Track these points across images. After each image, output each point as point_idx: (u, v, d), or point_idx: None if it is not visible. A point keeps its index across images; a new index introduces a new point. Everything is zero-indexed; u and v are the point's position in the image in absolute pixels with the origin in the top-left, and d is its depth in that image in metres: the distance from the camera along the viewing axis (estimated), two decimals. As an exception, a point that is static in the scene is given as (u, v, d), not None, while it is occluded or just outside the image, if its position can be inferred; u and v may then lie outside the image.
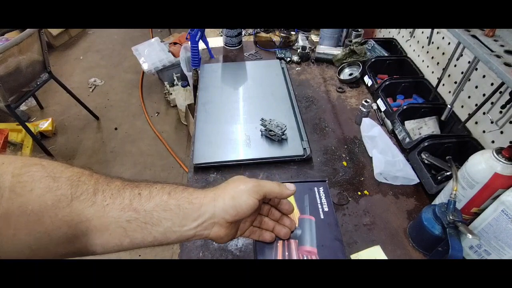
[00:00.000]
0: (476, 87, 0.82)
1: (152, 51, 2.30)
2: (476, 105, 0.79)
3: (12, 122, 1.82)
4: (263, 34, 1.38)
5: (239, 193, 0.40)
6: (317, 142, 0.88)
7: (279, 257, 0.56)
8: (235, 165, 0.80)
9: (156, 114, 2.33)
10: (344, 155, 0.84)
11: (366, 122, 0.87)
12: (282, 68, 1.13)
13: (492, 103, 0.63)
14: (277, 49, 1.27)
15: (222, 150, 0.82)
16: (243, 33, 1.34)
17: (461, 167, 0.61)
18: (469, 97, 0.85)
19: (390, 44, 1.22)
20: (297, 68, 1.19)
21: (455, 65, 0.90)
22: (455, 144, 0.78)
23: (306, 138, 0.85)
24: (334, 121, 0.95)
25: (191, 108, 1.95)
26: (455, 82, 0.92)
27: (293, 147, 0.82)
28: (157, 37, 2.45)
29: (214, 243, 0.64)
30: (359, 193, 0.75)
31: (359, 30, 1.20)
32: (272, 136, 0.84)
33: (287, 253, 0.56)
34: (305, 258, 0.56)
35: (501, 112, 0.61)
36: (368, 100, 0.90)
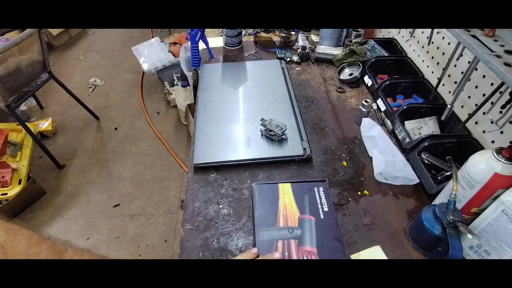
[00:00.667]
0: (476, 87, 0.82)
1: (152, 51, 2.30)
2: (476, 105, 0.79)
3: (12, 122, 1.82)
4: (263, 34, 1.38)
5: None
6: (317, 142, 0.88)
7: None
8: (235, 165, 0.80)
9: (156, 114, 2.33)
10: (344, 155, 0.84)
11: (366, 122, 0.87)
12: (282, 68, 1.13)
13: (492, 103, 0.63)
14: (277, 49, 1.27)
15: (222, 150, 0.82)
16: (243, 33, 1.34)
17: (461, 167, 0.61)
18: (469, 97, 0.85)
19: (390, 44, 1.22)
20: (297, 68, 1.19)
21: (455, 65, 0.90)
22: (455, 144, 0.78)
23: (306, 138, 0.85)
24: (334, 121, 0.95)
25: (191, 108, 1.95)
26: (455, 82, 0.92)
27: (293, 147, 0.82)
28: (157, 37, 2.45)
29: (214, 243, 0.65)
30: (359, 193, 0.75)
31: (359, 30, 1.20)
32: (272, 136, 0.84)
33: (287, 253, 0.56)
34: (305, 258, 0.56)
35: (501, 112, 0.61)
36: (368, 100, 0.90)
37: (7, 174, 1.55)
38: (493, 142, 0.77)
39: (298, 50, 1.21)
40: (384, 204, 0.73)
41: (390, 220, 0.70)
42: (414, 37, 1.11)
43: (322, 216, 0.62)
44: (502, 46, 0.53)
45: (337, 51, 1.18)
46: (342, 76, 1.12)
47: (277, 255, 0.41)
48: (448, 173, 0.73)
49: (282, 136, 0.83)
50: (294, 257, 0.56)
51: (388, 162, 0.76)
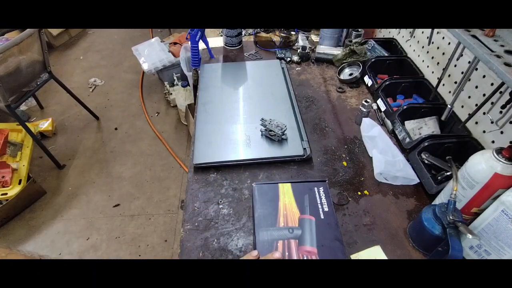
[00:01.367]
0: (476, 87, 0.82)
1: (152, 51, 2.30)
2: (476, 105, 0.79)
3: (12, 122, 1.82)
4: (263, 34, 1.38)
5: None
6: (317, 142, 0.88)
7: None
8: (235, 165, 0.80)
9: (156, 114, 2.33)
10: (344, 155, 0.84)
11: (366, 122, 0.87)
12: (282, 68, 1.13)
13: (492, 103, 0.63)
14: (277, 49, 1.27)
15: (222, 150, 0.82)
16: (243, 33, 1.34)
17: (461, 167, 0.61)
18: (469, 97, 0.85)
19: (390, 44, 1.22)
20: (297, 68, 1.19)
21: (455, 65, 0.90)
22: (455, 144, 0.78)
23: (306, 138, 0.85)
24: (334, 121, 0.95)
25: (191, 108, 1.95)
26: (455, 82, 0.92)
27: (293, 147, 0.82)
28: (157, 37, 2.45)
29: (214, 243, 0.65)
30: (359, 193, 0.75)
31: (359, 30, 1.20)
32: (272, 136, 0.84)
33: (287, 253, 0.56)
34: (305, 258, 0.56)
35: (501, 112, 0.61)
36: (368, 100, 0.90)
37: (7, 174, 1.55)
38: (493, 142, 0.77)
39: (298, 50, 1.21)
40: (384, 204, 0.73)
41: (390, 220, 0.70)
42: (414, 37, 1.11)
43: (322, 216, 0.62)
44: (502, 46, 0.53)
45: (337, 51, 1.18)
46: (342, 76, 1.12)
47: (277, 255, 0.40)
48: (448, 173, 0.73)
49: (282, 136, 0.83)
50: (294, 257, 0.56)
51: (388, 162, 0.76)
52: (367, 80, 1.07)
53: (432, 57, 1.02)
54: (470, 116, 0.67)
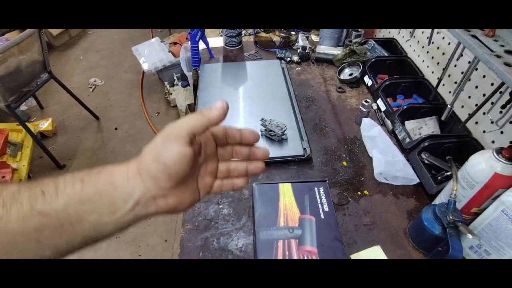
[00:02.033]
0: (476, 87, 0.82)
1: (152, 51, 2.30)
2: (476, 105, 0.79)
3: (12, 122, 1.82)
4: (263, 34, 1.38)
5: (159, 150, 0.30)
6: (317, 142, 0.88)
7: (279, 257, 0.56)
8: (235, 165, 0.80)
9: (156, 114, 2.33)
10: (344, 155, 0.84)
11: (366, 122, 0.87)
12: (282, 68, 1.13)
13: (492, 103, 0.63)
14: (277, 49, 1.27)
15: (222, 150, 0.82)
16: (243, 33, 1.34)
17: (461, 167, 0.61)
18: (469, 97, 0.85)
19: (390, 44, 1.22)
20: (297, 68, 1.19)
21: (455, 65, 0.90)
22: (455, 144, 0.78)
23: (306, 138, 0.85)
24: (334, 121, 0.95)
25: (191, 108, 1.95)
26: (455, 82, 0.92)
27: (293, 147, 0.82)
28: (157, 37, 2.45)
29: (214, 243, 0.65)
30: (359, 193, 0.75)
31: (359, 30, 1.20)
32: (272, 136, 0.83)
33: (287, 253, 0.56)
34: (305, 258, 0.56)
35: (501, 112, 0.61)
36: (368, 100, 0.90)
37: (7, 174, 1.55)
38: (493, 142, 0.77)
39: (298, 50, 1.21)
40: (384, 204, 0.73)
41: (390, 220, 0.70)
42: (414, 37, 1.11)
43: (322, 216, 0.62)
44: (502, 46, 0.53)
45: (337, 51, 1.18)
46: (342, 76, 1.12)
47: (219, 104, 0.34)
48: (448, 173, 0.73)
49: (282, 136, 0.83)
50: (295, 257, 0.56)
51: (388, 162, 0.76)
52: (367, 80, 1.07)
53: (432, 57, 1.02)
54: (470, 116, 0.67)
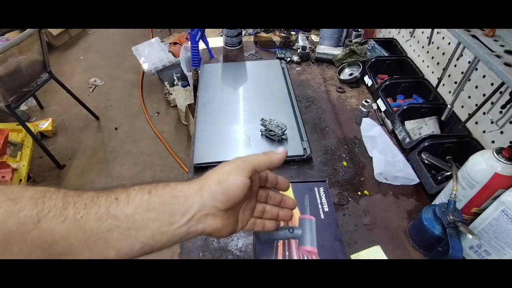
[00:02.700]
0: (476, 87, 0.82)
1: (152, 51, 2.30)
2: (476, 105, 0.79)
3: (12, 122, 1.82)
4: (263, 34, 1.38)
5: (225, 176, 0.35)
6: (317, 142, 0.88)
7: (279, 257, 0.56)
8: (235, 165, 0.80)
9: (156, 114, 2.33)
10: (344, 155, 0.84)
11: (366, 122, 0.87)
12: (282, 68, 1.13)
13: (492, 103, 0.63)
14: (277, 49, 1.27)
15: (222, 150, 0.82)
16: (243, 33, 1.34)
17: (461, 167, 0.61)
18: (469, 97, 0.85)
19: (390, 44, 1.22)
20: (297, 68, 1.19)
21: (455, 65, 0.90)
22: (455, 144, 0.78)
23: (306, 138, 0.85)
24: (334, 121, 0.95)
25: (191, 108, 1.95)
26: (455, 82, 0.92)
27: (293, 147, 0.82)
28: (157, 37, 2.45)
29: (214, 242, 0.65)
30: (359, 193, 0.75)
31: (359, 30, 1.20)
32: (272, 136, 0.84)
33: (287, 253, 0.56)
34: (305, 258, 0.56)
35: (501, 112, 0.61)
36: (368, 100, 0.90)
37: (7, 174, 1.55)
38: (493, 142, 0.77)
39: (298, 50, 1.21)
40: (384, 204, 0.73)
41: (390, 220, 0.70)
42: (414, 37, 1.11)
43: (322, 216, 0.62)
44: (502, 46, 0.53)
45: (337, 51, 1.18)
46: (342, 76, 1.12)
47: (281, 149, 0.39)
48: (448, 173, 0.73)
49: (282, 136, 0.83)
50: (295, 257, 0.56)
51: (388, 162, 0.76)
52: (367, 80, 1.07)
53: (432, 57, 1.02)
54: (470, 116, 0.67)
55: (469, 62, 0.79)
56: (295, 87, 1.07)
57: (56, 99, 2.41)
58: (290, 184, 0.67)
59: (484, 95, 0.79)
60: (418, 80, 1.01)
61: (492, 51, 0.51)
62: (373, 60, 1.09)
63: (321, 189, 0.67)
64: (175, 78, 2.32)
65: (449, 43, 0.94)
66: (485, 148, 0.77)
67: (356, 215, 0.70)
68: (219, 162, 0.84)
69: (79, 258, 0.30)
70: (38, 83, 1.80)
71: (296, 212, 0.63)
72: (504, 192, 0.52)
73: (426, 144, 0.78)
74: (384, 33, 1.36)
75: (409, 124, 0.90)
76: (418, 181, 0.75)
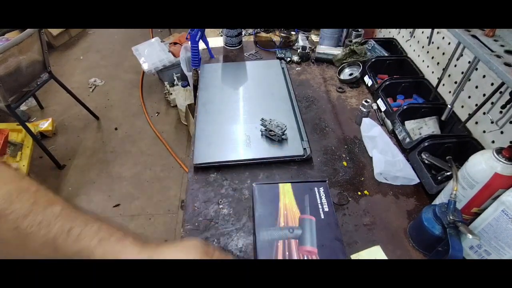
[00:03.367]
0: (476, 87, 0.82)
1: (152, 51, 2.30)
2: (476, 105, 0.79)
3: (12, 122, 1.82)
4: (263, 34, 1.38)
5: None
6: (317, 142, 0.88)
7: (279, 257, 0.56)
8: (235, 165, 0.80)
9: (156, 114, 2.33)
10: (344, 155, 0.84)
11: (366, 122, 0.87)
12: (282, 68, 1.13)
13: (492, 103, 0.63)
14: (277, 49, 1.27)
15: (222, 150, 0.82)
16: (243, 33, 1.34)
17: (461, 167, 0.61)
18: (469, 97, 0.85)
19: (390, 44, 1.22)
20: (297, 68, 1.19)
21: (455, 65, 0.90)
22: (455, 144, 0.78)
23: (306, 138, 0.85)
24: (334, 121, 0.95)
25: (191, 108, 1.95)
26: (455, 82, 0.92)
27: (293, 147, 0.82)
28: (157, 37, 2.45)
29: (214, 243, 0.65)
30: (359, 193, 0.75)
31: (359, 30, 1.20)
32: (272, 136, 0.83)
33: (287, 253, 0.56)
34: (305, 258, 0.56)
35: (501, 112, 0.61)
36: (368, 100, 0.90)
37: (7, 174, 1.54)
38: (493, 142, 0.77)
39: (298, 50, 1.21)
40: (384, 204, 0.73)
41: (390, 220, 0.70)
42: (414, 37, 1.11)
43: (322, 216, 0.62)
44: (502, 46, 0.53)
45: (337, 51, 1.18)
46: (342, 76, 1.12)
47: None
48: (448, 173, 0.73)
49: (282, 136, 0.83)
50: (295, 257, 0.56)
51: (388, 162, 0.76)
52: (367, 80, 1.07)
53: (432, 57, 1.02)
54: (470, 116, 0.67)
55: (469, 62, 0.79)
56: (295, 87, 1.07)
57: (56, 99, 2.41)
58: (290, 184, 0.67)
59: (484, 95, 0.79)
60: (418, 80, 1.01)
61: (492, 51, 0.51)
62: (373, 60, 1.09)
63: (321, 189, 0.67)
64: (175, 78, 2.32)
65: (449, 43, 0.94)
66: (485, 148, 0.77)
67: (356, 215, 0.70)
68: (219, 162, 0.84)
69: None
70: (38, 83, 1.80)
71: (296, 212, 0.63)
72: (504, 192, 0.52)
73: (426, 144, 0.78)
74: (384, 33, 1.36)
75: (409, 124, 0.90)
76: (418, 181, 0.75)
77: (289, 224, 0.61)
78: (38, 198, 0.31)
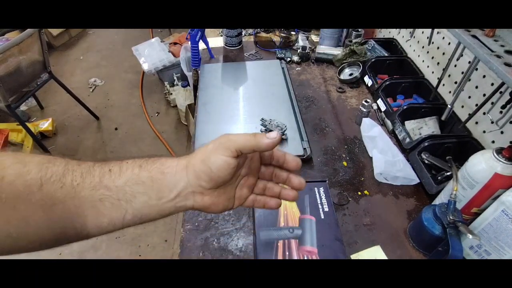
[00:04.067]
0: (476, 87, 0.82)
1: (152, 51, 2.30)
2: (476, 105, 0.79)
3: (12, 122, 1.82)
4: (263, 34, 1.38)
5: (208, 154, 0.35)
6: (317, 142, 0.88)
7: (279, 257, 0.56)
8: (235, 165, 0.80)
9: (156, 114, 2.33)
10: (344, 155, 0.84)
11: (366, 122, 0.87)
12: (282, 68, 1.13)
13: (492, 103, 0.63)
14: (277, 49, 1.27)
15: (222, 150, 0.82)
16: (243, 33, 1.34)
17: (461, 167, 0.61)
18: (469, 97, 0.85)
19: (390, 44, 1.22)
20: (297, 68, 1.19)
21: (455, 65, 0.90)
22: (455, 144, 0.78)
23: (306, 138, 0.85)
24: (334, 121, 0.95)
25: (191, 108, 1.95)
26: (455, 82, 0.92)
27: (293, 147, 0.82)
28: (157, 37, 2.45)
29: (214, 243, 0.65)
30: (359, 193, 0.75)
31: (359, 30, 1.20)
32: (272, 136, 0.83)
33: (287, 253, 0.57)
34: (305, 258, 0.56)
35: (501, 112, 0.61)
36: (368, 100, 0.90)
37: (7, 174, 1.55)
38: (493, 142, 0.77)
39: (298, 50, 1.21)
40: (384, 204, 0.73)
41: (390, 220, 0.70)
42: (414, 37, 1.11)
43: (322, 216, 0.62)
44: (502, 46, 0.53)
45: (337, 51, 1.18)
46: (342, 76, 1.12)
47: (273, 134, 0.36)
48: (448, 173, 0.73)
49: (282, 136, 0.83)
50: (295, 257, 0.56)
51: (388, 162, 0.76)
52: (367, 80, 1.07)
53: (432, 57, 1.02)
54: (470, 116, 0.67)
55: (469, 62, 0.79)
56: (295, 87, 1.07)
57: (56, 99, 2.41)
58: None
59: (484, 95, 0.79)
60: (418, 80, 1.01)
61: (492, 51, 0.51)
62: (373, 60, 1.09)
63: (321, 189, 0.67)
64: (175, 78, 2.32)
65: (449, 43, 0.94)
66: (485, 148, 0.77)
67: (356, 215, 0.70)
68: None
69: (76, 224, 0.32)
70: (38, 83, 1.80)
71: (296, 212, 0.63)
72: (504, 192, 0.52)
73: (426, 144, 0.78)
74: (384, 33, 1.36)
75: (409, 124, 0.90)
76: (418, 181, 0.75)
77: (289, 224, 0.61)
78: (68, 161, 0.34)
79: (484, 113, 0.78)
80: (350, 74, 1.11)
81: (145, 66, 2.23)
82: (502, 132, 0.74)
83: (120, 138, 2.14)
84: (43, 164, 0.31)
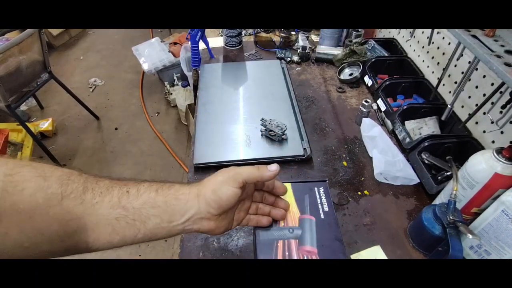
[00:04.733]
0: (477, 87, 0.82)
1: (152, 51, 2.30)
2: (477, 105, 0.79)
3: (12, 122, 1.82)
4: (263, 34, 1.38)
5: (218, 185, 0.40)
6: (317, 142, 0.88)
7: (279, 257, 0.56)
8: (235, 165, 0.80)
9: (156, 114, 2.33)
10: (344, 155, 0.84)
11: (366, 122, 0.87)
12: (282, 68, 1.13)
13: (492, 103, 0.63)
14: (277, 49, 1.27)
15: (222, 150, 0.82)
16: (243, 33, 1.34)
17: (461, 167, 0.61)
18: (469, 97, 0.85)
19: (390, 44, 1.22)
20: (297, 68, 1.19)
21: (455, 65, 0.90)
22: (455, 144, 0.78)
23: (306, 138, 0.85)
24: (334, 121, 0.95)
25: (191, 108, 1.95)
26: (455, 82, 0.92)
27: (293, 147, 0.82)
28: (157, 37, 2.45)
29: (214, 242, 0.65)
30: (359, 193, 0.75)
31: (359, 30, 1.20)
32: (272, 136, 0.84)
33: (287, 253, 0.56)
34: (305, 258, 0.56)
35: (501, 112, 0.61)
36: (368, 100, 0.90)
37: (7, 174, 1.55)
38: (493, 142, 0.77)
39: (298, 50, 1.21)
40: (384, 204, 0.73)
41: (390, 220, 0.70)
42: (414, 37, 1.11)
43: (322, 216, 0.62)
44: (502, 46, 0.53)
45: (337, 51, 1.18)
46: (342, 76, 1.12)
47: (273, 167, 0.44)
48: (448, 173, 0.73)
49: (282, 136, 0.83)
50: (295, 257, 0.56)
51: (388, 162, 0.76)
52: (367, 80, 1.07)
53: (432, 57, 1.02)
54: (470, 116, 0.67)
55: (469, 62, 0.79)
56: (295, 87, 1.07)
57: (56, 99, 2.41)
58: (290, 184, 0.67)
59: (484, 95, 0.79)
60: (418, 80, 1.01)
61: (492, 51, 0.51)
62: (373, 60, 1.09)
63: (321, 189, 0.67)
64: (175, 78, 2.32)
65: (449, 43, 0.94)
66: (485, 148, 0.77)
67: (356, 215, 0.70)
68: (219, 162, 0.84)
69: (89, 238, 0.34)
70: (38, 83, 1.80)
71: (296, 212, 0.63)
72: (504, 192, 0.52)
73: (426, 144, 0.78)
74: (384, 33, 1.36)
75: (409, 124, 0.90)
76: (418, 181, 0.75)
77: (289, 224, 0.61)
78: (87, 178, 0.35)
79: (484, 113, 0.78)
80: (350, 74, 1.11)
81: (145, 66, 2.23)
82: (502, 132, 0.74)
83: (120, 138, 2.14)
84: (64, 180, 0.33)
